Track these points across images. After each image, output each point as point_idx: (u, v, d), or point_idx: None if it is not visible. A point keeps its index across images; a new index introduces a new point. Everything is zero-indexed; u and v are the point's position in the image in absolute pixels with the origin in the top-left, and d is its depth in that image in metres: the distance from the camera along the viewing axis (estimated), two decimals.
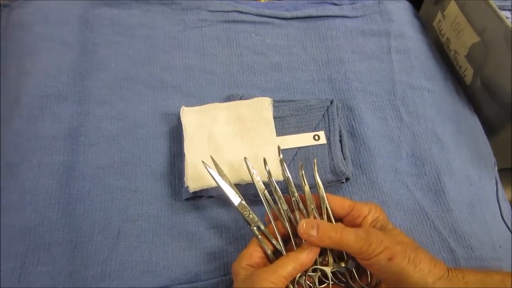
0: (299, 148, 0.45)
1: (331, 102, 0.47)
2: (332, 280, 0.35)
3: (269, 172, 0.38)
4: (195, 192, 0.42)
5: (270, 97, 0.47)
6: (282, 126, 0.46)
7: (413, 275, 0.31)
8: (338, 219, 0.37)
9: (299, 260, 0.33)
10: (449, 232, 0.42)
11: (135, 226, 0.42)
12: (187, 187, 0.41)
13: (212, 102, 0.48)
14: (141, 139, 0.47)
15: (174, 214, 0.43)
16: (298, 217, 0.36)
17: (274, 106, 0.46)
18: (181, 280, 0.39)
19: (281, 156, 0.40)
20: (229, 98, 0.49)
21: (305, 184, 0.37)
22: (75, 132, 0.46)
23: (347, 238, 0.33)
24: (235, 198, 0.38)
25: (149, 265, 0.40)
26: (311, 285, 0.35)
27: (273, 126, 0.45)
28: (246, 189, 0.41)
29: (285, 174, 0.38)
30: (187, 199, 0.43)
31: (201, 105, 0.47)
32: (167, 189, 0.44)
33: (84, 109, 0.47)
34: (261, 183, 0.38)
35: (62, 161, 0.43)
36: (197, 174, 0.41)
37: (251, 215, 0.37)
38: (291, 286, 0.34)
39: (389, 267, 0.31)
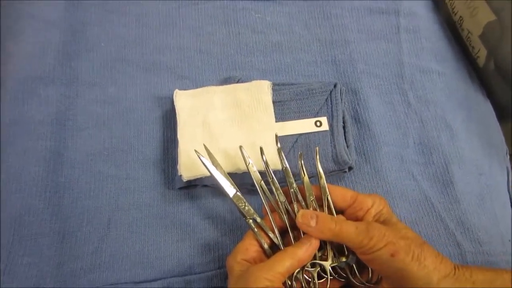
0: (300, 135, 0.43)
1: (335, 86, 0.45)
2: (331, 275, 0.34)
3: (266, 163, 0.36)
4: (189, 181, 0.40)
5: (269, 80, 0.45)
6: (282, 111, 0.44)
7: (417, 272, 0.30)
8: (339, 212, 0.35)
9: (297, 255, 0.32)
10: (457, 225, 0.40)
11: (126, 216, 0.41)
12: (181, 175, 0.39)
13: (207, 85, 0.45)
14: (133, 124, 0.45)
15: (167, 203, 0.42)
16: (296, 208, 0.35)
17: (274, 90, 0.44)
18: (174, 272, 0.39)
19: (279, 145, 0.37)
20: (226, 81, 0.47)
21: (304, 175, 0.35)
22: (63, 116, 0.44)
23: (347, 230, 0.31)
24: (230, 189, 0.36)
25: (140, 257, 0.39)
26: (309, 280, 0.34)
27: (272, 111, 0.43)
28: (243, 179, 0.40)
29: (283, 164, 0.36)
30: (180, 188, 0.41)
31: (196, 88, 0.45)
32: (160, 177, 0.43)
33: (72, 92, 0.46)
34: (258, 173, 0.36)
35: (49, 146, 0.42)
36: (191, 163, 0.39)
37: (246, 207, 0.35)
38: (288, 282, 0.33)
39: (391, 263, 0.30)
